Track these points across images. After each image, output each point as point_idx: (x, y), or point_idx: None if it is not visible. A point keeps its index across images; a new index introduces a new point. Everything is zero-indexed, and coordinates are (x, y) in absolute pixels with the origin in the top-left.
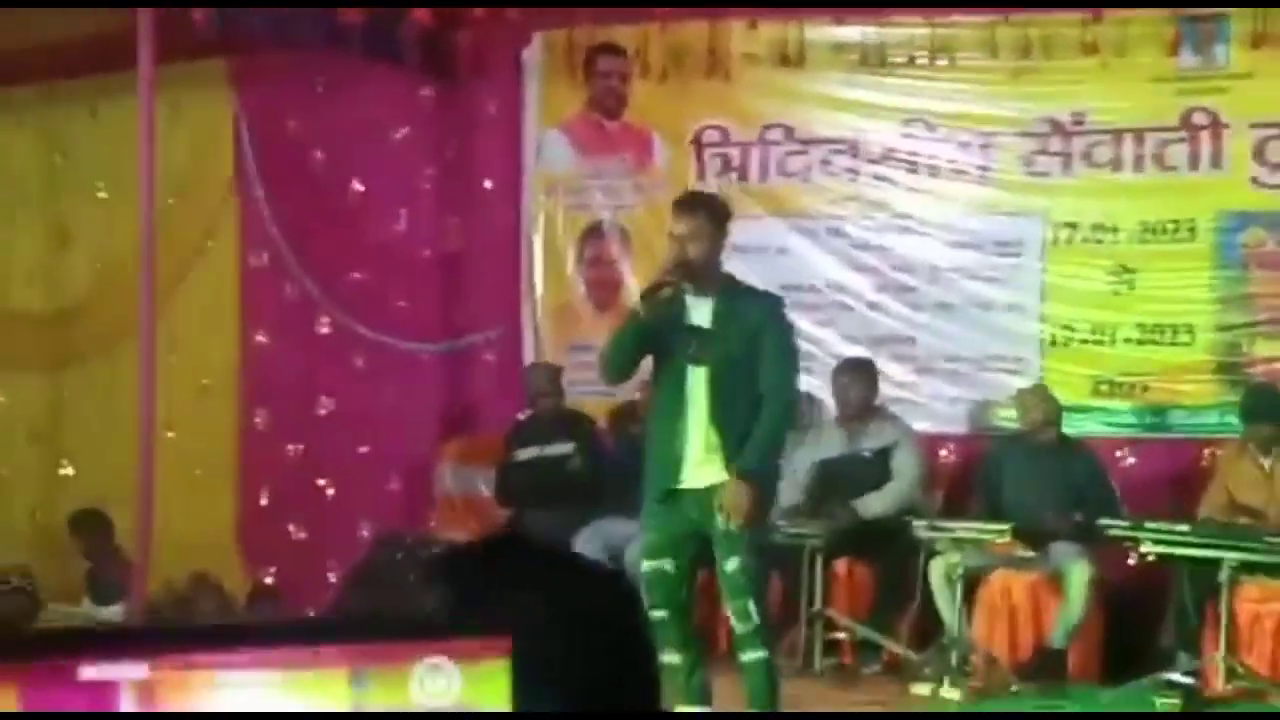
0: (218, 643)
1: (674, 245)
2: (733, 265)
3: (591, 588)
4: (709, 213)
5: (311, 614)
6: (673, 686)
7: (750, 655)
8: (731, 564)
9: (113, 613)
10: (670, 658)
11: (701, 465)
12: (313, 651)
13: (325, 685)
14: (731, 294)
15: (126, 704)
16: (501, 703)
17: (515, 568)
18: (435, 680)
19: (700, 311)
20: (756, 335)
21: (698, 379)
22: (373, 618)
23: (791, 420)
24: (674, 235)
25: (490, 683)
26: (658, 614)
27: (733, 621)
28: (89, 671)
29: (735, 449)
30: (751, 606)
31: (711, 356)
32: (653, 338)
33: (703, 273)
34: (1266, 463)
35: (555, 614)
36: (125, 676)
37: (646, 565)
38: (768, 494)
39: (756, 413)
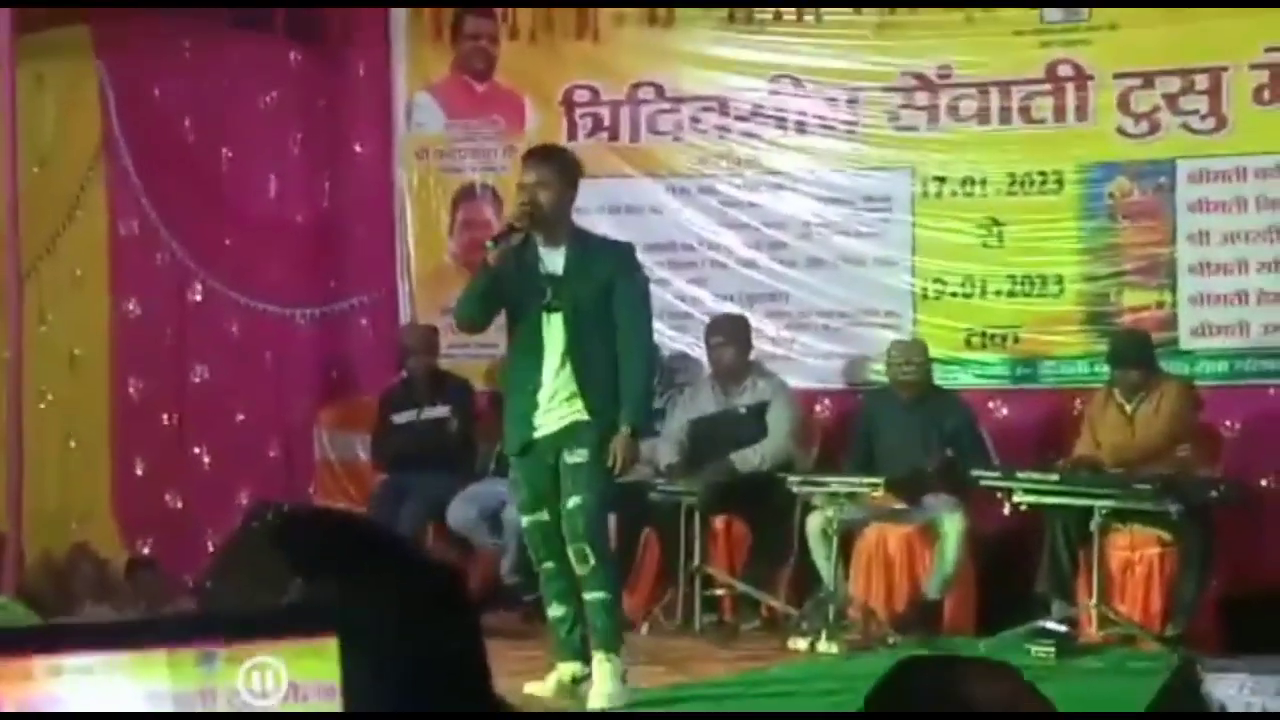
0: (40, 647)
1: (523, 194)
2: (605, 225)
3: (420, 580)
4: (559, 164)
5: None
6: (555, 639)
7: (590, 595)
8: (572, 502)
9: None
10: (554, 610)
11: (556, 411)
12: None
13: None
14: (583, 243)
15: None
16: (332, 678)
17: (347, 556)
18: (263, 677)
19: (553, 260)
20: (610, 284)
21: (553, 326)
22: (195, 618)
23: (654, 366)
24: (523, 185)
25: (319, 660)
26: (545, 566)
27: (574, 565)
28: None
29: (599, 397)
30: (589, 550)
31: (566, 303)
32: (506, 287)
33: (553, 222)
34: (1129, 407)
35: (384, 605)
36: None
37: (525, 520)
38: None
39: (612, 360)
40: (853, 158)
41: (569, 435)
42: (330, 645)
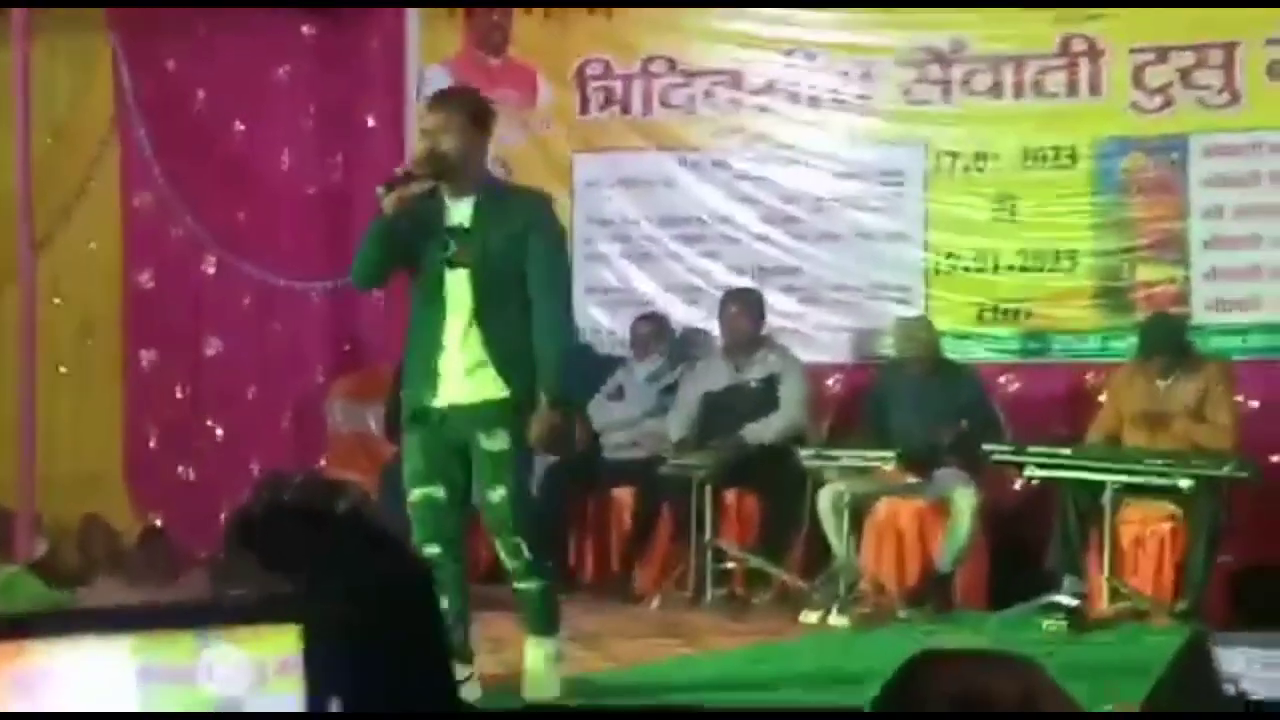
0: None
1: (424, 140)
2: (618, 199)
3: (385, 563)
4: (464, 107)
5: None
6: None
7: (525, 585)
8: (496, 494)
9: None
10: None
11: (464, 379)
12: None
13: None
14: (495, 192)
15: None
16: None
17: (311, 539)
18: (224, 667)
19: (460, 212)
20: (522, 235)
21: (457, 283)
22: (158, 608)
23: (570, 325)
24: (424, 130)
25: (281, 639)
26: (430, 549)
27: (503, 557)
28: None
29: (513, 367)
30: (522, 543)
31: (472, 258)
32: (406, 241)
33: (459, 170)
34: (1162, 385)
35: (349, 590)
36: None
37: (415, 494)
38: (569, 419)
39: (525, 319)
40: (866, 132)
41: (485, 415)
42: (291, 632)
